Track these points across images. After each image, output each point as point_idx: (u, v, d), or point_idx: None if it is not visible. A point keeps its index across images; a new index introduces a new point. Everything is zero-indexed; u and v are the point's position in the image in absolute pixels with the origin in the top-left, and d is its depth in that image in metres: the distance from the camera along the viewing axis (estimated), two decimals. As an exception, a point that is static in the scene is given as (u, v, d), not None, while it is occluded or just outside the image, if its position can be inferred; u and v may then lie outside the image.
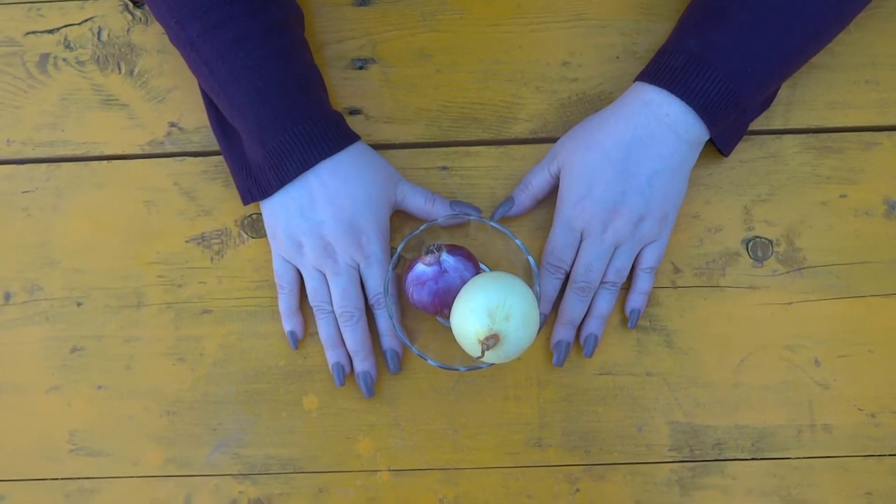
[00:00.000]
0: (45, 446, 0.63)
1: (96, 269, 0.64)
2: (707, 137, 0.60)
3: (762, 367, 0.63)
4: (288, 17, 0.60)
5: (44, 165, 0.66)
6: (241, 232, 0.65)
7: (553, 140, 0.64)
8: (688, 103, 0.58)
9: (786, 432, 0.62)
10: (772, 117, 0.65)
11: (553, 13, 0.66)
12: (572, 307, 0.61)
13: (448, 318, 0.56)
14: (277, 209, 0.60)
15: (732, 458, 0.62)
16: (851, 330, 0.63)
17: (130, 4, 0.67)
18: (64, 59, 0.66)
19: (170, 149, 0.65)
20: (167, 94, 0.66)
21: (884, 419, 0.62)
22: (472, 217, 0.60)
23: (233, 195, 0.65)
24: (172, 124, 0.66)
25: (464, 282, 0.56)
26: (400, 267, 0.60)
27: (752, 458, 0.62)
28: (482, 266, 0.61)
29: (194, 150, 0.65)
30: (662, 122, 0.59)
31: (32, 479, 0.63)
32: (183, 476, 0.63)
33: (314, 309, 0.62)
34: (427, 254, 0.57)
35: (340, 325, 0.61)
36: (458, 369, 0.58)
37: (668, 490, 0.62)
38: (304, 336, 0.63)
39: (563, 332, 0.62)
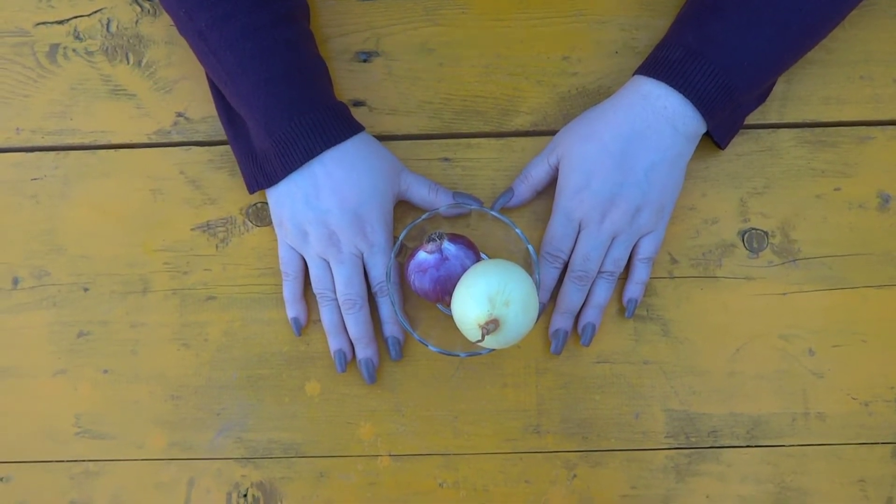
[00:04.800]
0: (52, 429, 0.64)
1: (103, 256, 0.65)
2: (704, 130, 0.61)
3: (757, 356, 0.64)
4: (295, 9, 0.61)
5: (52, 153, 0.67)
6: (246, 220, 0.66)
7: (553, 133, 0.65)
8: (685, 96, 0.59)
9: (780, 420, 0.63)
10: (767, 111, 0.66)
11: (554, 8, 0.67)
12: (570, 296, 0.62)
13: (449, 305, 0.57)
14: (283, 197, 0.61)
15: (727, 445, 0.63)
16: (845, 320, 0.64)
17: (139, -3, 0.68)
18: (73, 50, 0.67)
19: (176, 138, 0.66)
20: (174, 85, 0.67)
21: (876, 408, 0.63)
22: (473, 207, 0.61)
23: (238, 184, 0.66)
24: (179, 114, 0.67)
25: (465, 269, 0.57)
26: (402, 255, 0.61)
27: (747, 446, 0.63)
28: (482, 255, 0.62)
29: (200, 139, 0.66)
30: (660, 114, 0.60)
31: (38, 461, 0.64)
32: (186, 460, 0.64)
33: (318, 296, 0.63)
34: (429, 242, 0.58)
35: (343, 312, 0.62)
36: (458, 355, 0.59)
37: (664, 476, 0.63)
38: (307, 323, 0.64)
39: (561, 321, 0.63)
